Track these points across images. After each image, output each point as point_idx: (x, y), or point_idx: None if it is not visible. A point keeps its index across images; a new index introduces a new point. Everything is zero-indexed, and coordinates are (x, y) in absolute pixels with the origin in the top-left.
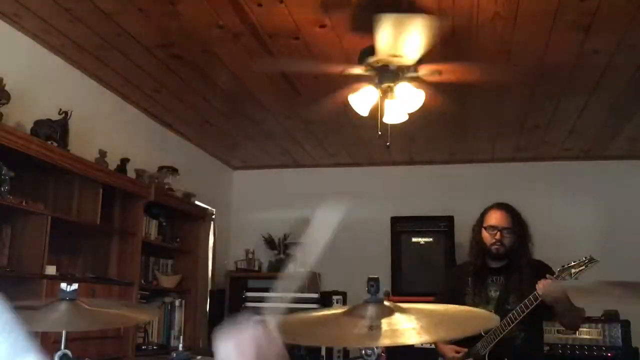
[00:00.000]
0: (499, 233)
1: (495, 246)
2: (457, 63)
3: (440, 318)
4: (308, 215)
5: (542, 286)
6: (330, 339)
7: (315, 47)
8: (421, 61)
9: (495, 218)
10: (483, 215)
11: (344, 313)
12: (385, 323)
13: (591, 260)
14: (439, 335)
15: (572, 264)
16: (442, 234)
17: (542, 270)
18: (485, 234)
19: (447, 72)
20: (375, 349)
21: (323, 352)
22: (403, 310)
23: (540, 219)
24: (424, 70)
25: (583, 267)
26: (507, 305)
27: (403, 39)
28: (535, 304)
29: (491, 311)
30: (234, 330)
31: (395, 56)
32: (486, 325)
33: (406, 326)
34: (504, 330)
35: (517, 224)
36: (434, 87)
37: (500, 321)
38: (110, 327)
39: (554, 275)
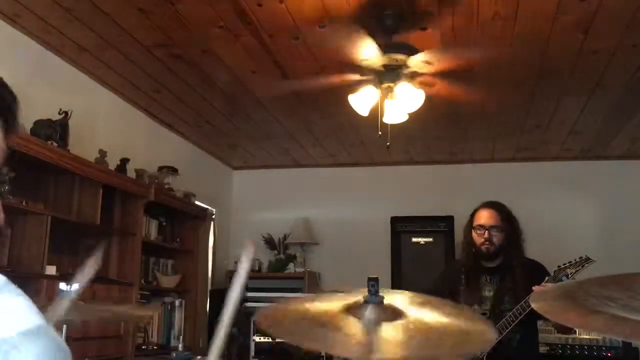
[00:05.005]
0: (487, 232)
1: (485, 245)
2: (456, 60)
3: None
4: (308, 215)
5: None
6: (326, 344)
7: (315, 47)
8: (420, 59)
9: (483, 217)
10: (472, 215)
11: (343, 311)
12: (383, 329)
13: (587, 260)
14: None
15: (568, 264)
16: (442, 234)
17: (536, 270)
18: (474, 234)
19: (446, 69)
20: None
21: (323, 353)
22: (399, 316)
23: (540, 219)
24: (423, 69)
25: (579, 267)
26: (501, 305)
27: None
28: (531, 306)
29: (486, 311)
30: None
31: (392, 57)
32: (485, 341)
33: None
34: (501, 334)
35: (506, 222)
36: (434, 87)
37: (497, 323)
38: (112, 322)
39: (551, 277)
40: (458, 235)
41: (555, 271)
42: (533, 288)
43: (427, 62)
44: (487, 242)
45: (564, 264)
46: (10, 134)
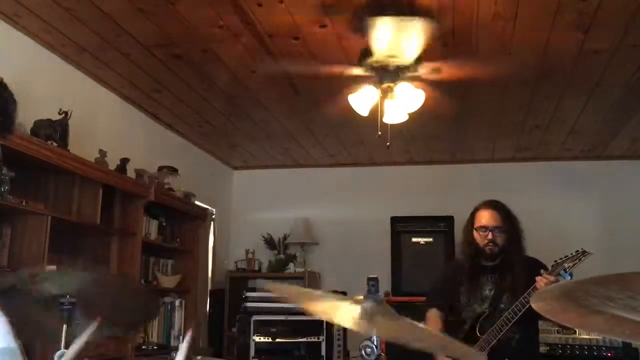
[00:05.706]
0: (490, 233)
1: (489, 247)
2: (456, 61)
3: None
4: (308, 215)
5: (544, 284)
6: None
7: (315, 47)
8: (421, 60)
9: (485, 218)
10: (473, 215)
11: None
12: None
13: (584, 253)
14: None
15: (565, 258)
16: (442, 234)
17: (536, 267)
18: (476, 235)
19: (446, 69)
20: (375, 349)
21: (323, 352)
22: None
23: (540, 219)
24: (423, 69)
25: (577, 260)
26: (501, 304)
27: (400, 40)
28: (530, 303)
29: (485, 310)
30: None
31: (393, 57)
32: None
33: None
34: (501, 331)
35: (508, 221)
36: (434, 87)
37: (497, 321)
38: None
39: (549, 271)
40: (458, 235)
41: (552, 265)
42: (536, 278)
43: (427, 63)
44: (491, 244)
45: (561, 258)
46: (4, 134)
